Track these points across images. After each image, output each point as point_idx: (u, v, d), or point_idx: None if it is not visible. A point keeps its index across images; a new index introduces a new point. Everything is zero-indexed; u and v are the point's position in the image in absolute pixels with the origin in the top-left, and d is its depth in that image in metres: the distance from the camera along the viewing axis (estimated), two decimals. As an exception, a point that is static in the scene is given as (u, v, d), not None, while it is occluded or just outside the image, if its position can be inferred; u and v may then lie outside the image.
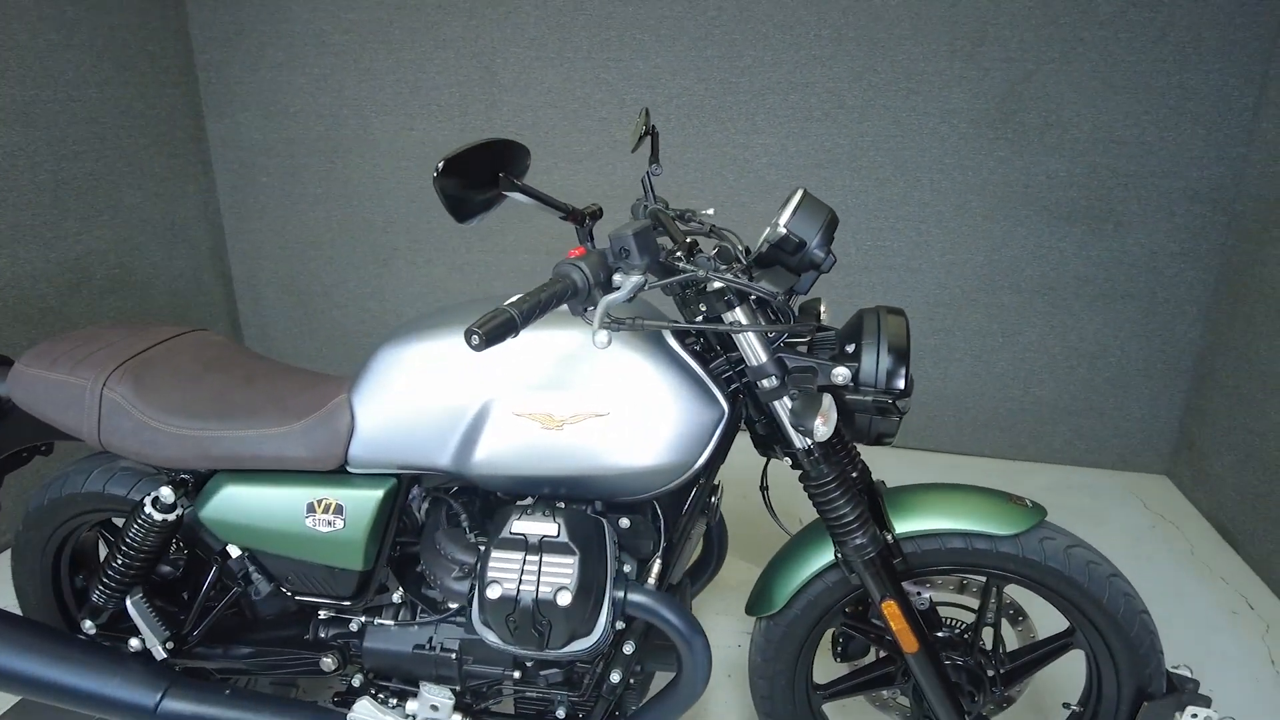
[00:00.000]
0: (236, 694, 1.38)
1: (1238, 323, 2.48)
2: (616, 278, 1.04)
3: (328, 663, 1.42)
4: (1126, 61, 2.49)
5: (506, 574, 1.17)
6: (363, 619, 1.42)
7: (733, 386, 1.26)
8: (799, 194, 1.18)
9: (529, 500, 1.27)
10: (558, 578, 1.15)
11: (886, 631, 1.27)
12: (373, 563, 1.34)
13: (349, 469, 1.33)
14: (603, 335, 0.98)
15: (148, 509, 1.36)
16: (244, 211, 3.29)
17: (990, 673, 1.34)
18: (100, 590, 1.45)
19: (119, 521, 1.60)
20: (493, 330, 0.92)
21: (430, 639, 1.39)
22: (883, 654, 1.44)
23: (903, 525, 1.28)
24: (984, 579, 1.35)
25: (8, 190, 2.45)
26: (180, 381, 1.39)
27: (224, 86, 3.13)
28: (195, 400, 1.36)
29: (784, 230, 1.14)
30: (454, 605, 1.38)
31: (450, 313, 1.33)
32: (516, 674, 1.37)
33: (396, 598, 1.41)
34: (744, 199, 2.87)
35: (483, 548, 1.26)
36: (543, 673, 1.37)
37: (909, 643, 1.25)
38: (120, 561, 1.41)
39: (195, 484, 1.40)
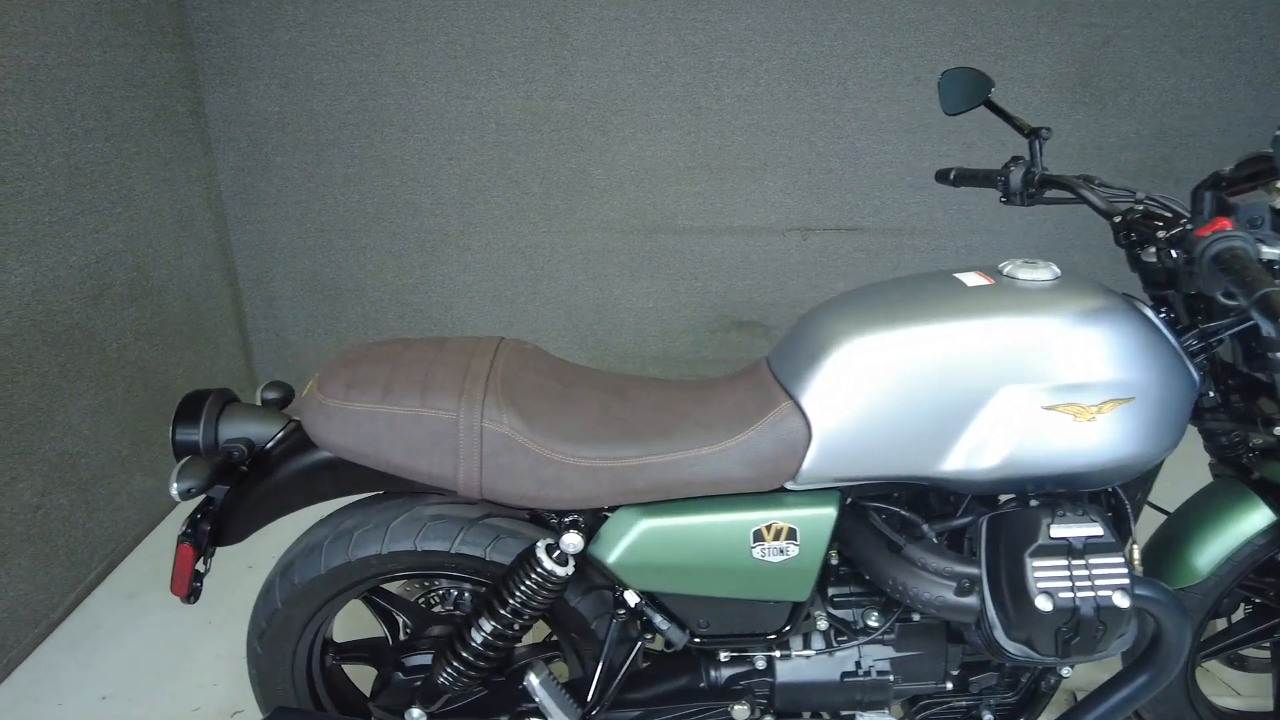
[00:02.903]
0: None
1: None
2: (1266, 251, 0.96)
3: (741, 710, 1.25)
4: (1195, 26, 2.65)
5: (1056, 583, 1.06)
6: (772, 654, 1.26)
7: (1198, 359, 1.21)
8: None
9: (1025, 503, 1.16)
10: (1113, 579, 1.06)
11: None
12: (812, 590, 1.19)
13: (790, 486, 1.16)
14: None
15: (545, 564, 1.12)
16: (252, 198, 2.82)
17: None
18: (452, 670, 1.19)
19: (387, 585, 1.31)
20: None
21: (858, 663, 1.26)
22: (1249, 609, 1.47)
23: None
24: None
25: (23, 179, 1.94)
26: (559, 404, 1.15)
27: (227, 50, 2.64)
28: (593, 425, 1.13)
29: None
30: (873, 624, 1.26)
31: (914, 292, 1.18)
32: (949, 685, 1.27)
33: (823, 624, 1.26)
34: (832, 164, 2.81)
35: (984, 558, 1.14)
36: (974, 678, 1.29)
37: None
38: (489, 630, 1.16)
39: (587, 525, 1.17)
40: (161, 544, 2.39)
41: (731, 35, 2.64)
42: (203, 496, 1.23)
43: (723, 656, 1.26)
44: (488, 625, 1.16)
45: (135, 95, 2.36)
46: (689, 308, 2.98)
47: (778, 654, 1.26)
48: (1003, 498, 1.22)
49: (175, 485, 1.09)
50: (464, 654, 1.17)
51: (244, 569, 2.27)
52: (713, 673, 1.28)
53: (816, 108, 2.74)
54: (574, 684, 1.27)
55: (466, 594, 1.42)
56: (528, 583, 1.13)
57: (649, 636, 1.22)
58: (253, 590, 2.17)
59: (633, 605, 1.18)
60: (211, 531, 1.21)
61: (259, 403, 1.32)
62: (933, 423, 1.10)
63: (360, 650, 1.41)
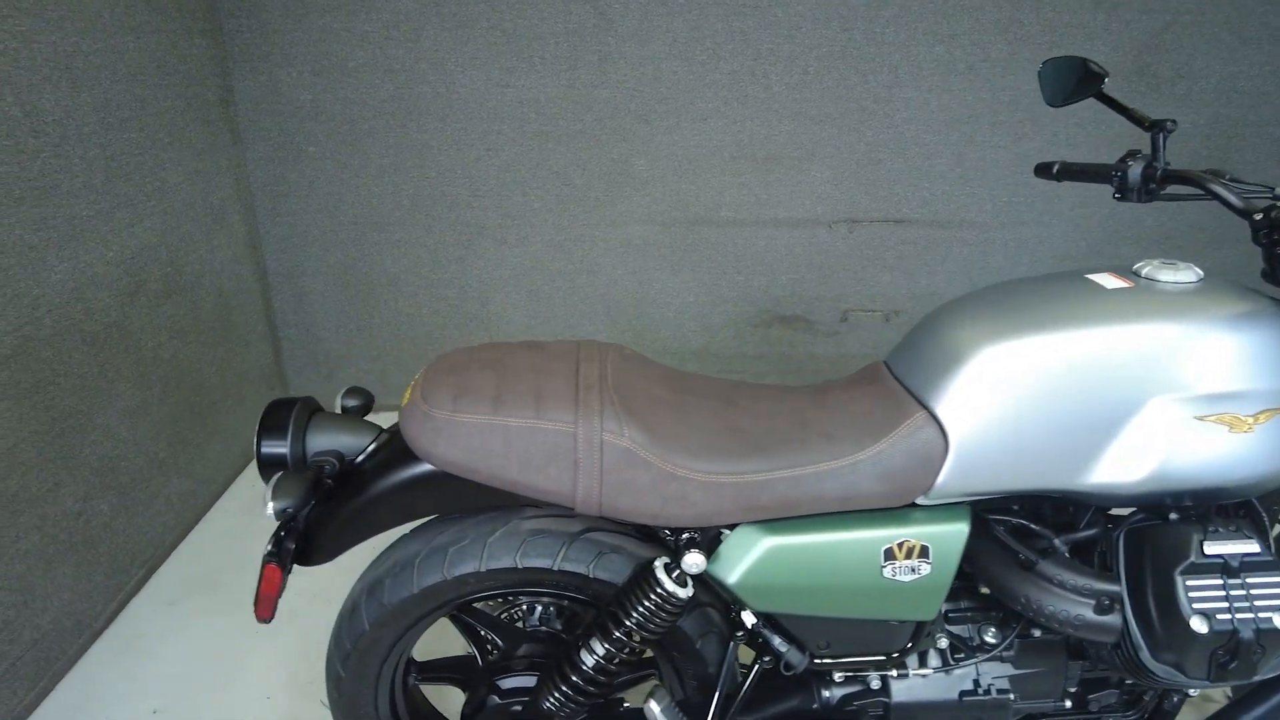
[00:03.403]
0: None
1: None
2: None
3: (859, 730, 1.19)
4: (1256, 13, 2.58)
5: (1212, 604, 1.00)
6: (888, 673, 1.20)
7: None
8: None
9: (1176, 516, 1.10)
10: (1274, 599, 1.01)
11: None
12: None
13: (921, 500, 1.10)
14: None
15: (666, 585, 1.05)
16: (283, 189, 2.73)
17: None
18: (559, 695, 1.12)
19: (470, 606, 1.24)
20: None
21: (976, 681, 1.20)
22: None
23: None
24: None
25: (61, 172, 1.85)
26: (675, 415, 1.09)
27: (258, 36, 2.54)
28: (714, 436, 1.07)
29: None
30: (990, 640, 1.20)
31: (1050, 295, 1.11)
32: (1067, 704, 1.22)
33: (943, 642, 1.20)
34: (880, 155, 2.73)
35: (1125, 574, 1.08)
36: (1092, 696, 1.23)
37: None
38: (601, 653, 1.09)
39: (705, 543, 1.11)
40: (199, 548, 2.31)
41: (780, 21, 2.56)
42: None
43: (837, 677, 1.20)
44: (600, 648, 1.09)
45: (167, 83, 2.27)
46: (730, 302, 2.91)
47: (894, 673, 1.20)
48: (1125, 510, 1.16)
49: (271, 505, 1.01)
50: (573, 678, 1.10)
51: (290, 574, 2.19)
52: (824, 693, 1.22)
53: (867, 96, 2.66)
54: (682, 706, 1.20)
55: (552, 611, 1.35)
56: (645, 605, 1.06)
57: (766, 659, 1.16)
58: (298, 599, 2.10)
59: (750, 626, 1.12)
60: (296, 550, 1.14)
61: (339, 410, 1.25)
62: (1078, 434, 1.04)
63: (445, 670, 1.34)
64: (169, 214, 2.27)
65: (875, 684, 1.21)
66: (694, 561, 1.05)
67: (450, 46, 2.57)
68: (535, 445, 1.01)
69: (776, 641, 1.13)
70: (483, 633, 1.31)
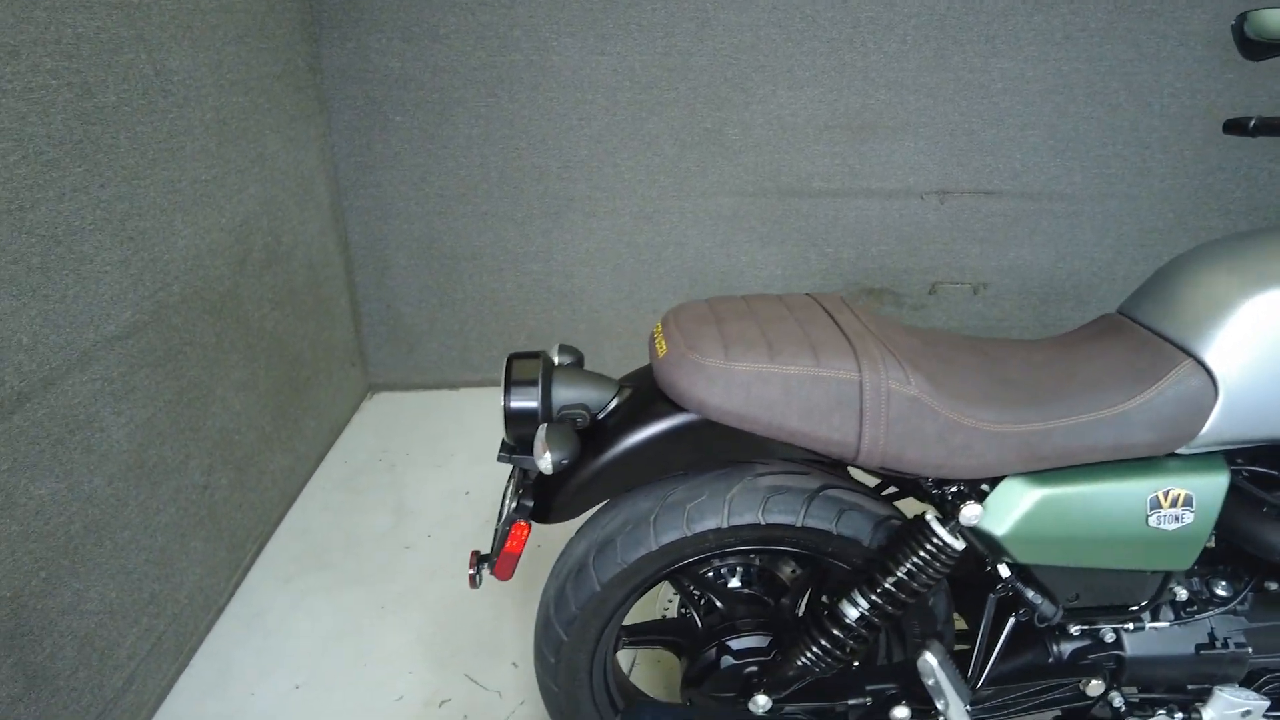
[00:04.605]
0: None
1: None
2: None
3: (1097, 686, 1.17)
4: (1354, -18, 2.57)
5: None
6: (1123, 626, 1.18)
7: None
8: None
9: None
10: None
11: None
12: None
13: (1182, 450, 1.07)
14: None
15: (942, 537, 1.03)
16: (368, 160, 2.67)
17: None
18: (817, 651, 1.09)
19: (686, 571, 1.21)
20: None
21: (1211, 634, 1.19)
22: None
23: None
24: None
25: (185, 134, 1.79)
26: (945, 365, 1.06)
27: (346, 1, 2.47)
28: (988, 387, 1.04)
29: None
30: (1221, 593, 1.18)
31: None
32: (1301, 660, 1.20)
33: (1182, 594, 1.18)
34: (974, 126, 2.71)
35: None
36: None
37: None
38: (866, 607, 1.07)
39: (969, 495, 1.08)
40: (302, 525, 2.26)
41: (881, -12, 2.52)
42: (510, 469, 1.13)
43: (1073, 630, 1.18)
44: (863, 602, 1.07)
45: (267, 47, 2.20)
46: (819, 274, 2.88)
47: (1130, 626, 1.18)
48: None
49: (550, 456, 0.98)
50: (834, 632, 1.08)
51: (401, 549, 2.16)
52: (1057, 648, 1.19)
53: (963, 66, 2.63)
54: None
55: (754, 573, 1.33)
56: (918, 558, 1.04)
57: (1021, 612, 1.13)
58: (417, 573, 2.06)
59: (1005, 579, 1.09)
60: (535, 509, 1.11)
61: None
62: None
63: (655, 633, 1.31)
64: (269, 182, 2.21)
65: (1109, 638, 1.19)
66: (973, 513, 1.02)
67: (545, 12, 2.51)
68: (818, 394, 0.97)
69: (1030, 594, 1.10)
70: (699, 596, 1.28)
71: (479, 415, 2.83)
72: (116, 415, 1.55)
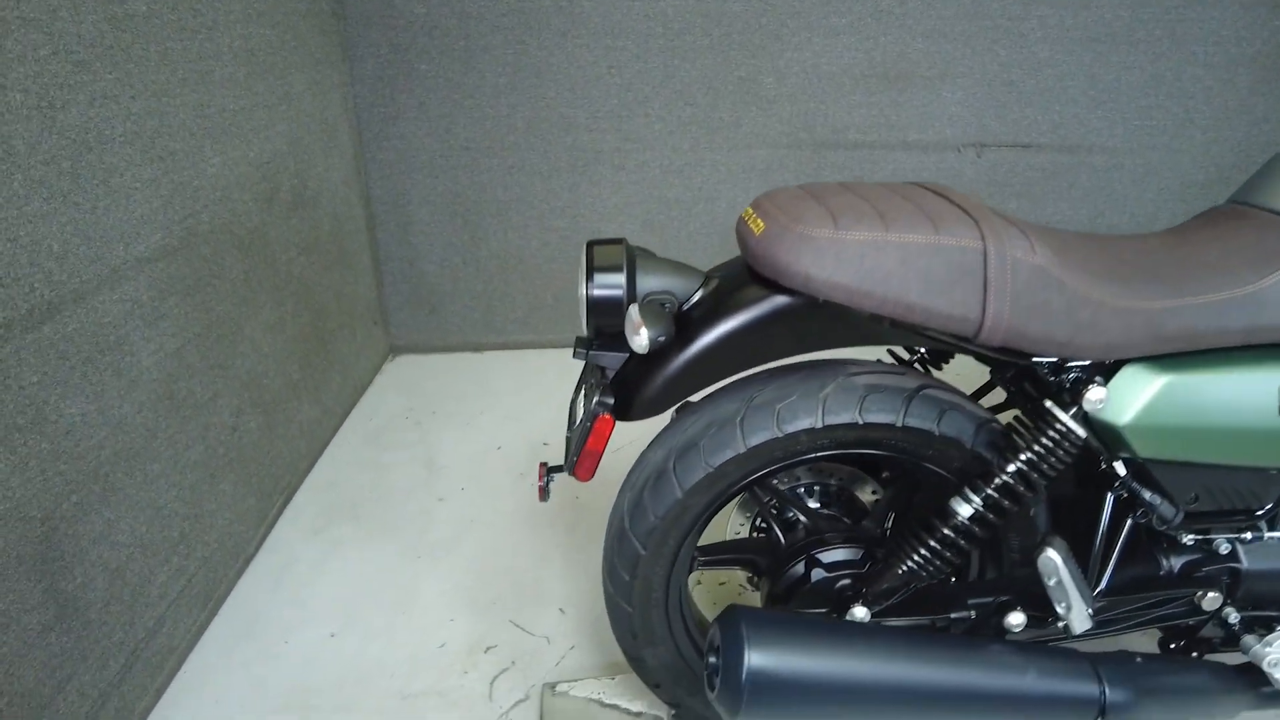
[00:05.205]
0: (1173, 663, 1.03)
1: None
2: None
3: (1213, 599, 1.10)
4: (1403, -74, 2.52)
5: None
6: (1240, 536, 1.11)
7: None
8: None
9: None
10: None
11: None
12: None
13: (1314, 337, 1.00)
14: None
15: (1066, 422, 0.95)
16: (391, 111, 2.58)
17: None
18: (924, 554, 1.02)
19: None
20: None
21: (1333, 548, 1.11)
22: None
23: None
24: None
25: (213, 59, 1.71)
26: (1062, 240, 0.99)
27: (372, -58, 2.40)
28: (1113, 263, 0.97)
29: None
30: (1342, 504, 1.11)
31: None
32: None
33: None
34: (1013, 76, 2.64)
35: None
36: None
37: None
38: (980, 503, 0.99)
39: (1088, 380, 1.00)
40: (329, 478, 2.18)
41: (921, -70, 2.45)
42: (584, 364, 1.05)
43: (1186, 540, 1.10)
44: (977, 499, 0.99)
45: (293, -17, 2.12)
46: (852, 232, 2.81)
47: (1247, 537, 1.10)
48: None
49: (647, 333, 0.90)
50: (945, 531, 1.00)
51: (435, 501, 2.07)
52: (1167, 561, 1.12)
53: (1002, 14, 2.56)
54: None
55: (833, 490, 1.25)
56: (1039, 446, 0.96)
57: (1139, 513, 1.06)
58: (453, 523, 1.98)
59: (1121, 476, 1.02)
60: (616, 404, 1.03)
61: None
62: None
63: (733, 552, 1.23)
64: (295, 122, 2.13)
65: (1224, 549, 1.11)
66: (1098, 397, 0.95)
67: (575, -45, 2.43)
68: (939, 264, 0.90)
69: (1147, 495, 1.03)
70: (779, 511, 1.21)
71: (505, 377, 2.75)
72: (146, 341, 1.47)
